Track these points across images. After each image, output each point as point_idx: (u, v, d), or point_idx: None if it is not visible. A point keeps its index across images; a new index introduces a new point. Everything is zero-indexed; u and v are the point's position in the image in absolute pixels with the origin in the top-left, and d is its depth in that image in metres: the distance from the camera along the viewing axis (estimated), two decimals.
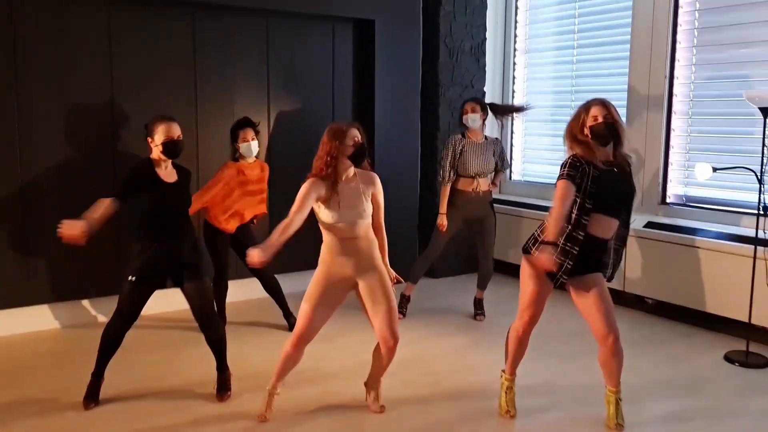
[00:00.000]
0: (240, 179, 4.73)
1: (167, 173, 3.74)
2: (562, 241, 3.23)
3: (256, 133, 4.81)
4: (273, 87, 5.59)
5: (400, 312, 5.30)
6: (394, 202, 5.94)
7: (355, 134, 3.38)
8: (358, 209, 3.37)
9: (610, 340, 3.33)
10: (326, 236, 3.44)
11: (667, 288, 5.21)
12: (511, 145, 6.94)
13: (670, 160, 5.54)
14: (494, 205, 5.43)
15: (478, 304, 5.39)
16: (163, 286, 3.77)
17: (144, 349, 4.47)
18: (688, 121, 5.43)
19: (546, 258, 3.11)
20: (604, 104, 3.30)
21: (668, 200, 5.57)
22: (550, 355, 4.46)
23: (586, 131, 3.28)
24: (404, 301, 5.37)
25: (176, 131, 3.70)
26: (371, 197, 3.45)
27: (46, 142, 4.74)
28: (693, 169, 5.34)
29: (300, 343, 3.42)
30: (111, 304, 4.92)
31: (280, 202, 5.15)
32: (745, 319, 4.59)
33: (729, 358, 4.46)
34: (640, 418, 3.57)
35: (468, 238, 5.67)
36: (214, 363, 3.85)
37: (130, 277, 3.66)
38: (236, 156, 4.79)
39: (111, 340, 3.71)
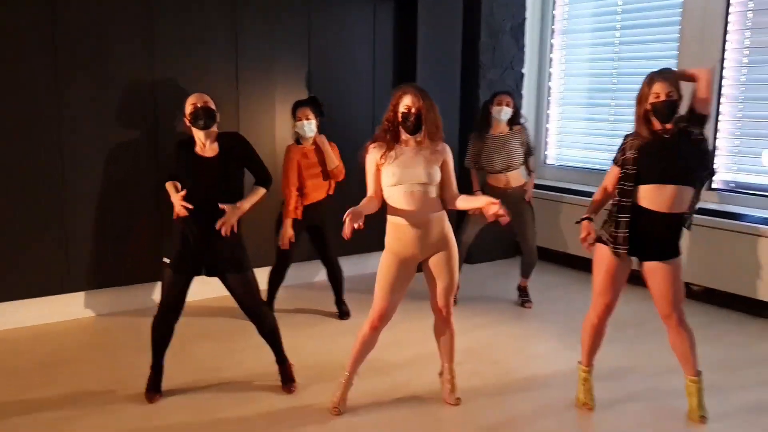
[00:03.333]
0: (305, 162, 4.56)
1: (207, 149, 3.52)
2: (615, 213, 3.30)
3: (321, 113, 4.64)
4: (314, 68, 5.42)
5: None
6: None
7: (407, 102, 3.24)
8: (422, 170, 3.22)
9: (673, 320, 3.31)
10: (391, 215, 3.32)
11: (716, 275, 5.12)
12: (546, 129, 6.82)
13: (718, 144, 5.44)
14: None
15: (524, 291, 5.28)
16: (199, 272, 3.56)
17: (195, 339, 4.33)
18: (737, 106, 5.33)
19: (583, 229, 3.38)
20: (667, 78, 3.21)
21: (715, 186, 5.48)
22: (624, 340, 4.37)
23: (648, 107, 3.23)
24: None
25: (200, 99, 3.49)
26: (441, 164, 3.29)
27: (87, 129, 4.57)
28: (744, 156, 5.27)
29: (379, 325, 3.32)
30: (146, 290, 4.83)
31: None
32: None
33: None
34: (719, 411, 3.48)
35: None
36: (271, 353, 3.73)
37: (164, 259, 3.52)
38: (297, 138, 4.64)
39: (161, 333, 3.55)
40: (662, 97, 3.18)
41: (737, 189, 5.36)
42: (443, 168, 3.31)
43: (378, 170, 3.29)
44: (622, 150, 3.35)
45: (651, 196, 3.22)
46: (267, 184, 3.68)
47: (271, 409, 3.45)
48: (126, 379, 3.74)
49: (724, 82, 5.35)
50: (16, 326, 4.52)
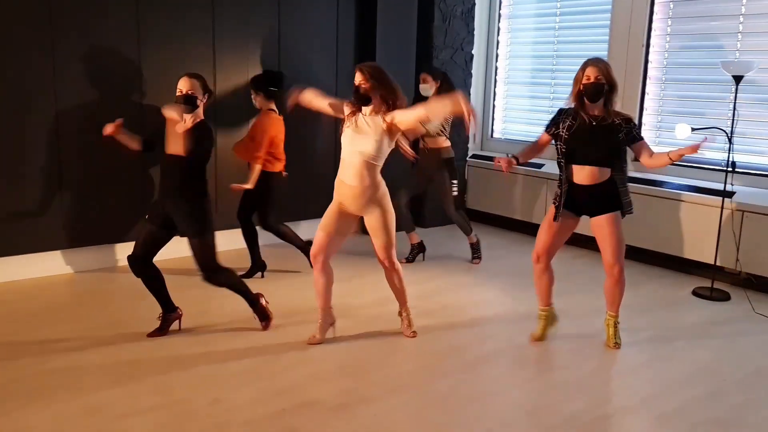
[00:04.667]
0: (280, 128, 5.12)
1: (182, 125, 3.89)
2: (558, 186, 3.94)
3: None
4: (283, 46, 5.92)
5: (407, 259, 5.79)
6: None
7: (356, 79, 3.80)
8: (365, 140, 3.75)
9: (616, 270, 3.92)
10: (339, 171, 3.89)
11: (641, 235, 5.85)
12: (493, 105, 7.45)
13: (644, 121, 6.15)
14: (473, 159, 6.37)
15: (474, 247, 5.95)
16: (163, 230, 3.98)
17: (180, 289, 4.82)
18: (661, 86, 6.03)
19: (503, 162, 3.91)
20: (597, 65, 3.83)
21: None
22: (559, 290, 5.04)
23: (581, 88, 3.84)
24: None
25: (186, 86, 3.89)
26: (388, 127, 3.73)
27: (79, 95, 4.98)
28: (664, 130, 5.99)
29: (316, 255, 3.91)
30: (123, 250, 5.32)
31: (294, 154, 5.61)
32: (711, 261, 5.27)
33: (697, 293, 5.14)
34: (632, 340, 4.19)
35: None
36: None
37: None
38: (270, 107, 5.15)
39: (145, 278, 4.01)
40: (591, 80, 3.81)
41: None
42: (393, 123, 3.76)
43: (340, 108, 3.85)
44: (555, 124, 3.94)
45: (576, 173, 3.87)
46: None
47: (256, 344, 4.00)
48: (121, 322, 4.23)
49: (649, 66, 6.05)
50: (8, 280, 4.98)
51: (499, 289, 5.15)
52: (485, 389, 3.53)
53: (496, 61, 7.38)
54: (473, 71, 7.19)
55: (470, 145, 7.36)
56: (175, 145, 3.87)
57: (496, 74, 7.42)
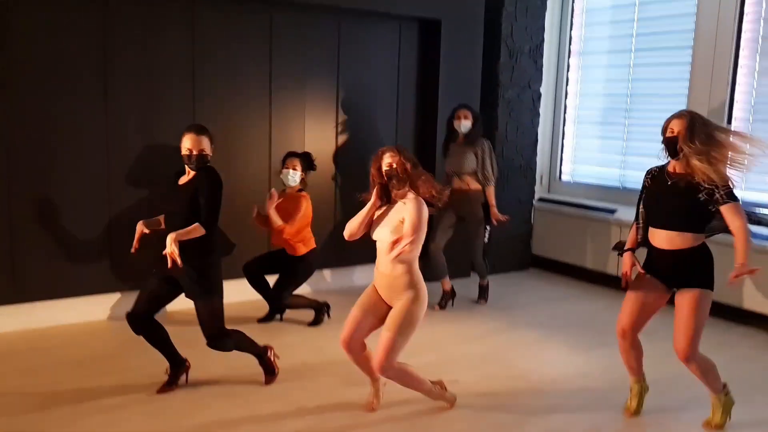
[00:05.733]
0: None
1: (186, 177, 3.71)
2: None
3: (309, 165, 4.94)
4: (342, 88, 5.72)
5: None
6: None
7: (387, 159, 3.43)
8: (382, 231, 3.43)
9: (682, 358, 3.37)
10: None
11: (750, 296, 5.28)
12: (562, 146, 7.06)
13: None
14: (540, 203, 6.13)
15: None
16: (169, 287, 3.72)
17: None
18: (748, 128, 5.54)
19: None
20: (679, 117, 3.38)
21: None
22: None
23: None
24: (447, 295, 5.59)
25: (197, 146, 3.61)
26: (401, 221, 3.38)
27: (131, 139, 4.88)
28: (754, 173, 5.46)
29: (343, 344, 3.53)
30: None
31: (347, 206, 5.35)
32: None
33: None
34: (746, 420, 3.62)
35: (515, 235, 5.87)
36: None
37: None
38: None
39: (147, 335, 3.73)
40: (667, 134, 3.40)
41: (745, 207, 5.55)
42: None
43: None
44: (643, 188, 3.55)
45: (654, 235, 3.45)
46: (204, 225, 3.57)
47: (301, 406, 3.70)
48: (159, 374, 3.96)
49: (735, 105, 5.58)
50: (62, 323, 4.84)
51: (567, 346, 4.71)
52: None
53: (566, 99, 7.00)
54: (541, 110, 6.83)
55: (537, 187, 6.97)
56: (176, 202, 3.66)
57: (565, 113, 7.03)
